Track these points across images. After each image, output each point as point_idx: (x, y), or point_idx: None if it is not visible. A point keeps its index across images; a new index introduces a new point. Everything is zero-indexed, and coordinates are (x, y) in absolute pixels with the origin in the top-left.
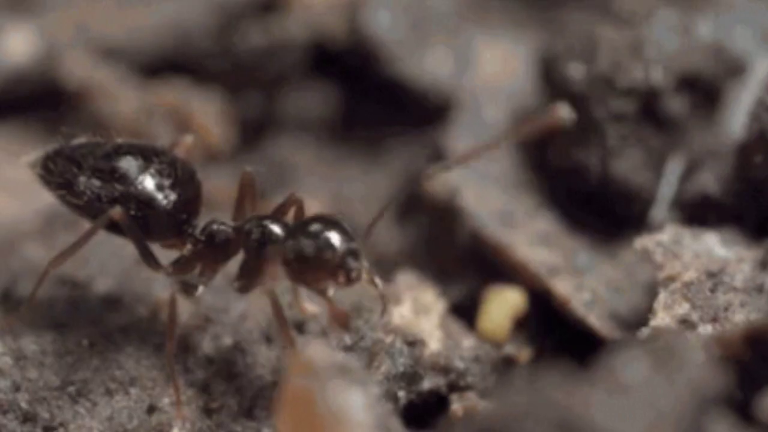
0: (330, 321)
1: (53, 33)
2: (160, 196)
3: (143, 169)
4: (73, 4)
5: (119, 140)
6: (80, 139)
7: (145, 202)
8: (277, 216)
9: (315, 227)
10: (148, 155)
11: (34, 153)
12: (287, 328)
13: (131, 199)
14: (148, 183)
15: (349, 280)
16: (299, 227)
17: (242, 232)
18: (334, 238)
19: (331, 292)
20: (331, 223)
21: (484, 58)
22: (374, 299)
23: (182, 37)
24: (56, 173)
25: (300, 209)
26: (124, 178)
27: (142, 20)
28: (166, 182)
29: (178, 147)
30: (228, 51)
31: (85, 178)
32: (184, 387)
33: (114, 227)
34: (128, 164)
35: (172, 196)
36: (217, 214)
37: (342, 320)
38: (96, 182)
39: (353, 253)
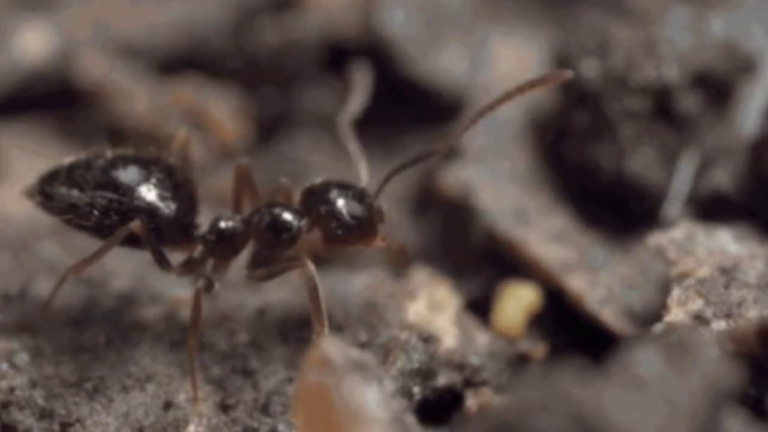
0: (395, 256)
1: (69, 31)
2: (165, 204)
3: (145, 180)
4: (88, 2)
5: (109, 153)
6: (70, 158)
7: (153, 212)
8: (284, 203)
9: (343, 191)
10: (145, 164)
11: (28, 183)
12: (321, 310)
13: (139, 211)
14: (153, 193)
15: (376, 236)
16: (324, 194)
17: (252, 223)
18: (364, 195)
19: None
20: (349, 185)
21: (498, 57)
22: (389, 296)
23: (198, 35)
24: (57, 198)
25: (288, 196)
26: (128, 192)
27: (157, 18)
28: (168, 189)
29: (175, 142)
30: (243, 49)
31: (88, 198)
32: (200, 383)
33: (130, 239)
34: (129, 177)
35: (176, 202)
36: (214, 210)
37: (404, 253)
38: (101, 201)
39: (380, 211)
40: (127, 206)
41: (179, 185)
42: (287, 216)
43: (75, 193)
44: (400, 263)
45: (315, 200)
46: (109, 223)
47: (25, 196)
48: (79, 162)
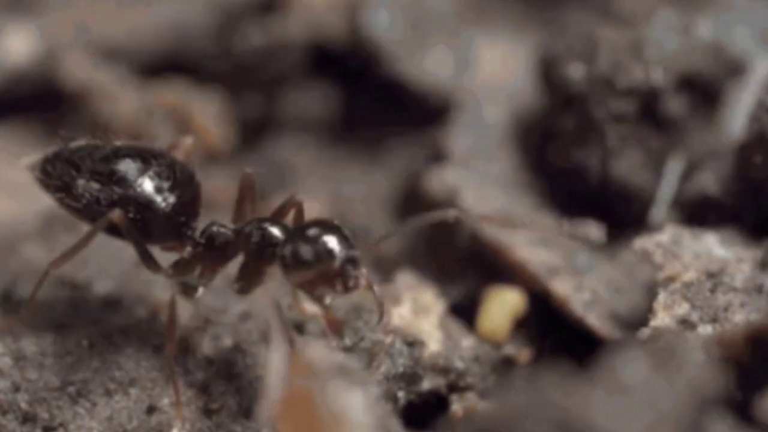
0: (325, 327)
1: (53, 33)
2: (159, 198)
3: (142, 172)
4: (72, 4)
5: (118, 143)
6: (79, 142)
7: (144, 204)
8: (276, 219)
9: (314, 232)
10: (146, 158)
11: (33, 156)
12: (283, 328)
13: (130, 202)
14: (147, 186)
15: (347, 288)
16: (298, 232)
17: (242, 234)
18: (333, 244)
19: (328, 299)
20: (330, 228)
21: (483, 59)
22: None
23: (182, 38)
24: (55, 176)
25: (300, 211)
26: (123, 181)
27: (142, 20)
28: (165, 185)
29: (178, 148)
30: (228, 51)
31: (83, 181)
32: (183, 388)
33: (113, 230)
34: (127, 167)
35: (171, 199)
36: (217, 215)
37: (337, 327)
38: (95, 185)
39: (352, 261)
40: (118, 195)
41: (178, 182)
42: (274, 231)
43: (72, 173)
44: (332, 331)
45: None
46: (98, 210)
47: (27, 169)
48: (85, 146)
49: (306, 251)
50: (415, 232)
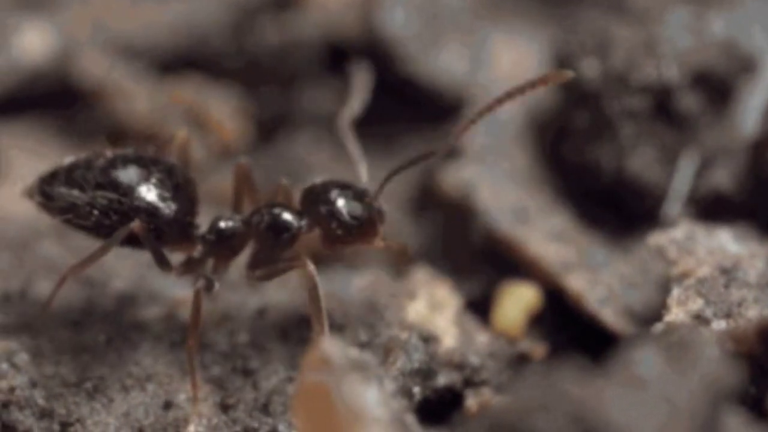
0: (396, 256)
1: (69, 31)
2: (165, 203)
3: (145, 180)
4: (88, 2)
5: (108, 153)
6: (69, 158)
7: (153, 212)
8: (284, 203)
9: (343, 191)
10: (145, 164)
11: (28, 183)
12: (321, 310)
13: (139, 211)
14: (153, 193)
15: (378, 235)
16: (322, 195)
17: (252, 223)
18: (364, 195)
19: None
20: (349, 185)
21: (498, 56)
22: (389, 296)
23: (198, 35)
24: (57, 198)
25: (288, 196)
26: (128, 192)
27: (157, 18)
28: (168, 189)
29: (174, 142)
30: (243, 48)
31: (88, 198)
32: (200, 383)
33: (130, 240)
34: (129, 177)
35: (176, 202)
36: (215, 210)
37: (405, 252)
38: (101, 201)
39: (380, 211)
40: (127, 206)
41: (179, 185)
42: (287, 216)
43: (75, 192)
44: (401, 263)
45: (315, 200)
46: (109, 223)
47: (25, 196)
48: (79, 162)
49: (351, 206)
50: (430, 229)
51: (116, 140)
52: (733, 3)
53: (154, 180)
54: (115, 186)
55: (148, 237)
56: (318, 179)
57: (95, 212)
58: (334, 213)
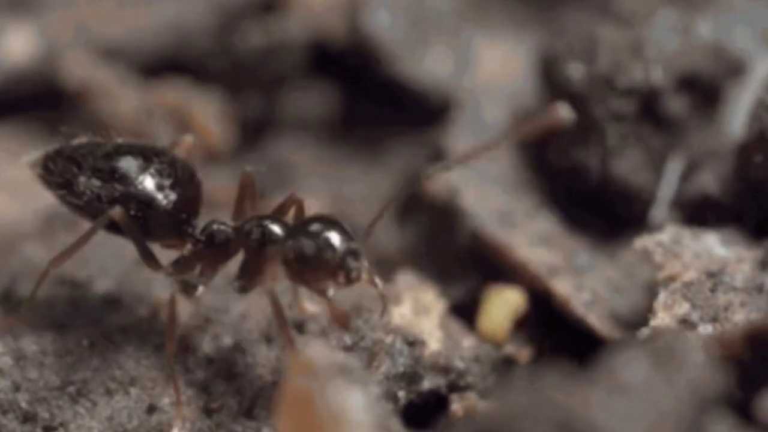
0: (330, 321)
1: (53, 33)
2: (160, 196)
3: (143, 169)
4: (73, 3)
5: (119, 140)
6: (80, 139)
7: (145, 202)
8: (277, 216)
9: (315, 227)
10: (148, 155)
11: (35, 153)
12: (287, 328)
13: (131, 199)
14: (148, 183)
15: (349, 281)
16: (299, 227)
17: (242, 232)
18: (334, 237)
19: (331, 292)
20: (330, 222)
21: (483, 58)
22: (374, 299)
23: (182, 37)
24: (56, 173)
25: (300, 209)
26: (124, 178)
27: (142, 20)
28: (166, 182)
29: (179, 147)
30: (228, 51)
31: (84, 178)
32: (184, 387)
33: (114, 227)
34: (128, 164)
35: (172, 196)
36: (218, 214)
37: (342, 320)
38: (96, 182)
39: (353, 253)
40: (119, 192)
41: (181, 180)
42: (274, 228)
43: (73, 170)
44: (338, 324)
45: (292, 229)
46: (100, 207)
47: (28, 166)
48: (87, 143)
49: (307, 245)
50: (416, 232)
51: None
52: (720, 5)
53: (152, 170)
54: (111, 170)
55: (129, 225)
56: (321, 214)
57: (88, 192)
58: (292, 246)
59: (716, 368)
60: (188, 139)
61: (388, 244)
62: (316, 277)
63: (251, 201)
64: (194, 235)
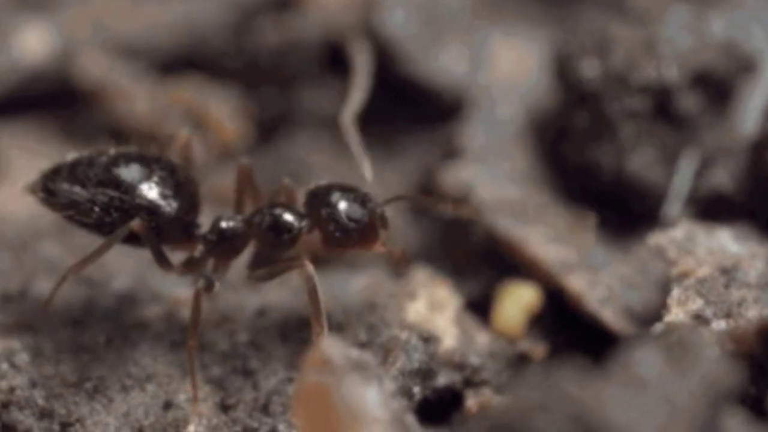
0: (394, 263)
1: (69, 31)
2: (167, 202)
3: (147, 178)
4: (88, 2)
5: (112, 150)
6: (72, 154)
7: (154, 210)
8: (285, 203)
9: (346, 194)
10: (147, 163)
11: (31, 178)
12: (321, 310)
13: (141, 209)
14: (155, 191)
15: (383, 243)
16: (326, 197)
17: (253, 223)
18: (368, 200)
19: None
20: (353, 188)
21: (498, 56)
22: (389, 296)
23: (198, 35)
24: (60, 194)
25: (291, 197)
26: (130, 190)
27: (157, 18)
28: (170, 188)
29: (177, 142)
30: (243, 49)
31: (90, 195)
32: (200, 383)
33: (130, 238)
34: (131, 175)
35: (178, 201)
36: (216, 210)
37: (404, 261)
38: (102, 198)
39: (383, 216)
40: (128, 204)
41: (181, 184)
42: (288, 217)
43: (77, 189)
44: (400, 267)
45: (316, 202)
46: (110, 221)
47: (28, 191)
48: (82, 159)
49: (352, 210)
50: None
51: (116, 140)
52: (733, 3)
53: (155, 178)
54: (116, 183)
55: (148, 235)
56: (322, 181)
57: (96, 209)
58: (334, 216)
59: (729, 364)
60: (184, 133)
61: (403, 240)
62: (355, 241)
63: (251, 192)
64: (204, 234)
